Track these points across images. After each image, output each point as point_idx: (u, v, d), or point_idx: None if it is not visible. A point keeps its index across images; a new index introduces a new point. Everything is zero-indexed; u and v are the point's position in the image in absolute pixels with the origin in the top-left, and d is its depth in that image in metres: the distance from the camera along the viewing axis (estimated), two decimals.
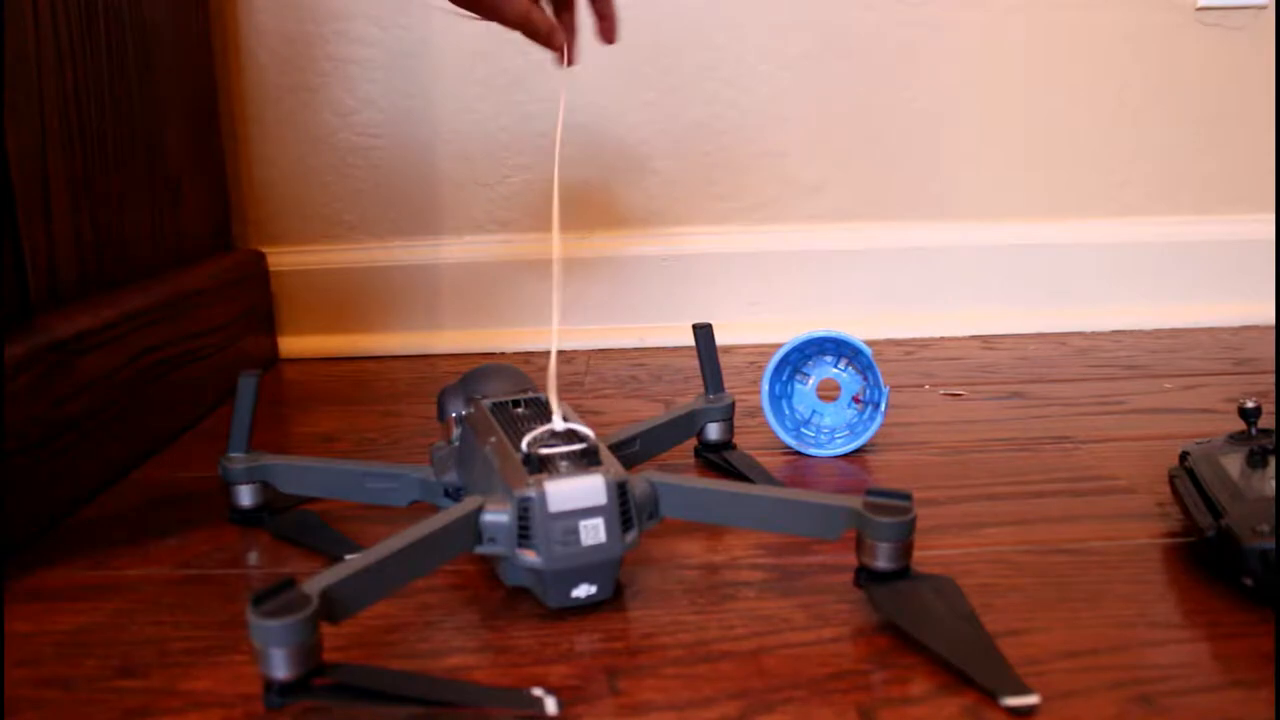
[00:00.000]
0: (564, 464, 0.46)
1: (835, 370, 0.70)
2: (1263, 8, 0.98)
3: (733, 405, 0.66)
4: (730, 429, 0.66)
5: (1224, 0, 0.97)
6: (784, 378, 0.69)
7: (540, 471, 0.46)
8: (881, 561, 0.45)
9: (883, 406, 0.66)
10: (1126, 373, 0.86)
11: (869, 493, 0.46)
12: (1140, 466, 0.62)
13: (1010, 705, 0.38)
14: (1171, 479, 0.54)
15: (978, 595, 0.47)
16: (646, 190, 1.00)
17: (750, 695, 0.40)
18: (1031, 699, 0.38)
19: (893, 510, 0.45)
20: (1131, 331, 1.00)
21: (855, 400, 0.69)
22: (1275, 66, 0.98)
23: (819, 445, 0.67)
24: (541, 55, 0.96)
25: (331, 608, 0.39)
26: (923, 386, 0.82)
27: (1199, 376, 0.84)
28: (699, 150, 0.99)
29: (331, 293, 1.00)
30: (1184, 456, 0.55)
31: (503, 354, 0.99)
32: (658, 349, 0.99)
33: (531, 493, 0.44)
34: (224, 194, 0.94)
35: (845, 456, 0.66)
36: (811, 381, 0.70)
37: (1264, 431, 0.55)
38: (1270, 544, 0.44)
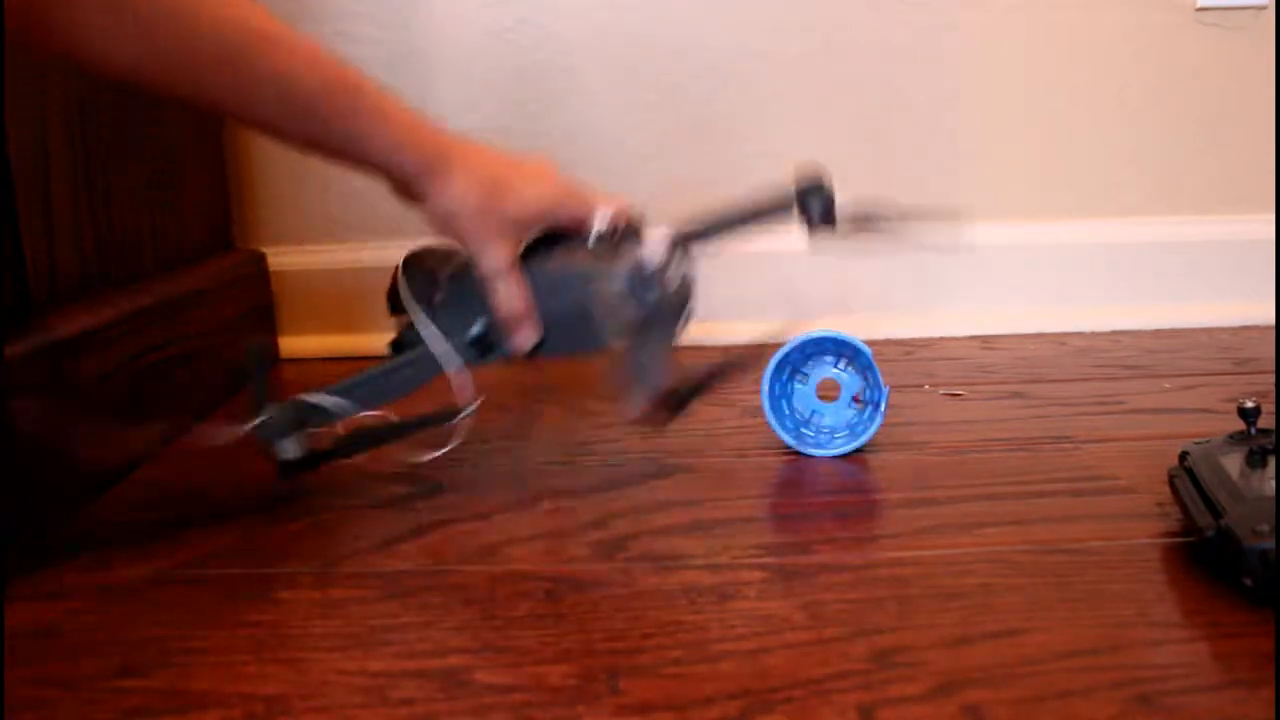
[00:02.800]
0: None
1: (835, 370, 0.70)
2: (1263, 8, 0.98)
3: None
4: None
5: (1224, 0, 0.97)
6: (784, 378, 0.69)
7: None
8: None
9: (883, 406, 0.66)
10: (1126, 373, 0.86)
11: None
12: (1140, 466, 0.62)
13: None
14: (1171, 479, 0.54)
15: (978, 595, 0.47)
16: (647, 190, 0.99)
17: (750, 695, 0.40)
18: None
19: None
20: (1131, 331, 1.00)
21: (855, 400, 0.69)
22: (1275, 66, 0.98)
23: (819, 445, 0.67)
24: (542, 54, 0.96)
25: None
26: (923, 386, 0.82)
27: (1199, 376, 0.84)
28: (699, 150, 0.99)
29: (331, 293, 1.00)
30: (1184, 456, 0.55)
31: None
32: None
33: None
34: (224, 194, 0.94)
35: (845, 456, 0.66)
36: (811, 381, 0.70)
37: (1263, 431, 0.55)
38: (1270, 544, 0.44)
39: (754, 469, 0.65)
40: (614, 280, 0.58)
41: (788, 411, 0.69)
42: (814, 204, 0.62)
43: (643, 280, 0.59)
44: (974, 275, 1.01)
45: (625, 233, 0.60)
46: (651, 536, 0.55)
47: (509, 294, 0.58)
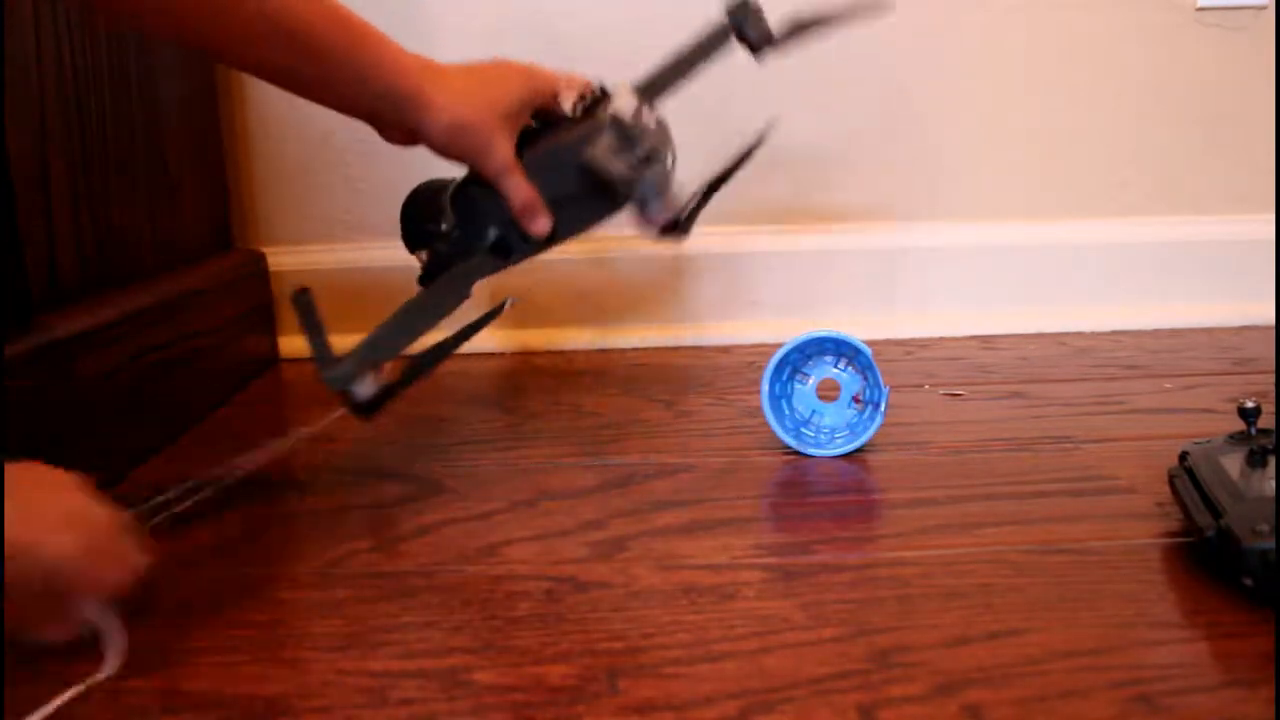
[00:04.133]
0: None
1: (835, 370, 0.70)
2: (1263, 8, 0.98)
3: None
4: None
5: (1224, 0, 0.97)
6: (784, 378, 0.69)
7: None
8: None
9: (883, 406, 0.66)
10: (1126, 373, 0.86)
11: None
12: (1140, 466, 0.62)
13: None
14: (1171, 479, 0.54)
15: (978, 595, 0.47)
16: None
17: (750, 695, 0.40)
18: None
19: None
20: (1131, 331, 1.00)
21: (855, 400, 0.69)
22: (1275, 66, 0.98)
23: (819, 445, 0.67)
24: (541, 55, 0.96)
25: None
26: (923, 386, 0.82)
27: (1199, 376, 0.84)
28: (700, 150, 0.99)
29: (331, 293, 0.99)
30: (1184, 456, 0.55)
31: (503, 354, 0.99)
32: (658, 349, 0.99)
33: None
34: (224, 194, 0.94)
35: (845, 456, 0.66)
36: (811, 381, 0.70)
37: (1264, 431, 0.55)
38: (1270, 544, 0.44)
39: (754, 469, 0.65)
40: (601, 136, 0.62)
41: (788, 411, 0.69)
42: (748, 25, 0.66)
43: (625, 130, 0.63)
44: (974, 275, 1.01)
45: (594, 99, 0.65)
46: (651, 536, 0.55)
47: (518, 186, 0.62)
